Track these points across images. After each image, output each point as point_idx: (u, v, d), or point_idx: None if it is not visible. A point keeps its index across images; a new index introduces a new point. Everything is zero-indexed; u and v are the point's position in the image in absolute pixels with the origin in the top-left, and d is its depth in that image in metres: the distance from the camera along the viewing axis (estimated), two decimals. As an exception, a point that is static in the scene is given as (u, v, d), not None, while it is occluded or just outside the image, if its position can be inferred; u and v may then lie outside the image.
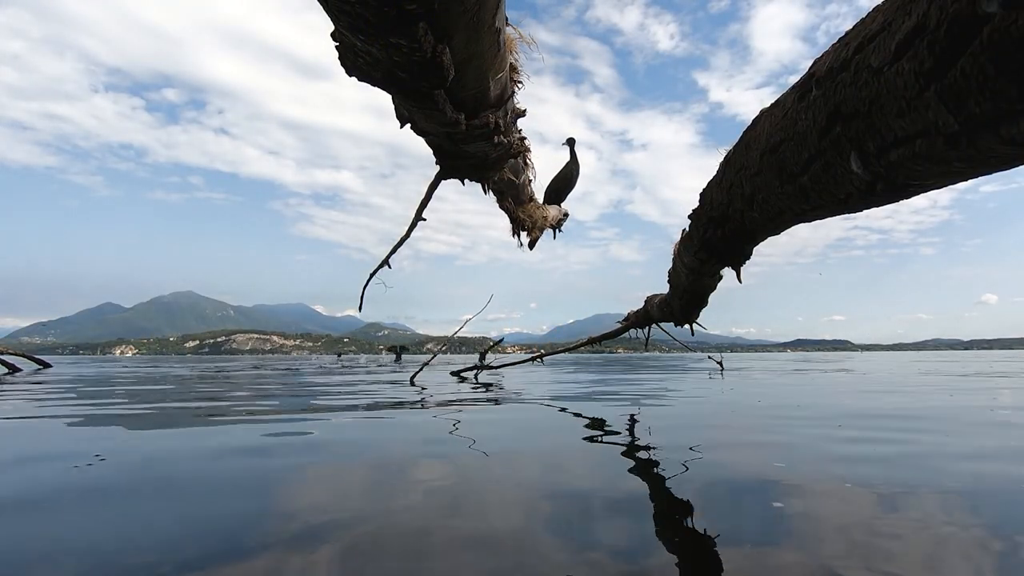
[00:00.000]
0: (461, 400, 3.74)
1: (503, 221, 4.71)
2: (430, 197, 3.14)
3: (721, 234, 2.22)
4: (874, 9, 0.97)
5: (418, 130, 2.26)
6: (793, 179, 1.37)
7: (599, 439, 2.13)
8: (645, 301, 5.66)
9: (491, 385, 5.24)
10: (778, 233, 2.00)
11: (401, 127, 2.20)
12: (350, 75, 1.63)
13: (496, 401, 3.68)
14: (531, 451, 1.92)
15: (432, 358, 7.47)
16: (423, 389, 4.72)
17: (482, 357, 7.06)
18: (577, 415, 2.94)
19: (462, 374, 7.01)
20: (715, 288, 3.74)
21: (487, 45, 1.68)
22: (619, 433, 2.27)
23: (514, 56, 2.27)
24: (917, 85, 0.82)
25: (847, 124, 1.05)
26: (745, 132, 1.71)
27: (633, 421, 2.65)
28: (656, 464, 1.66)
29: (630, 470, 1.59)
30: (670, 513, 1.18)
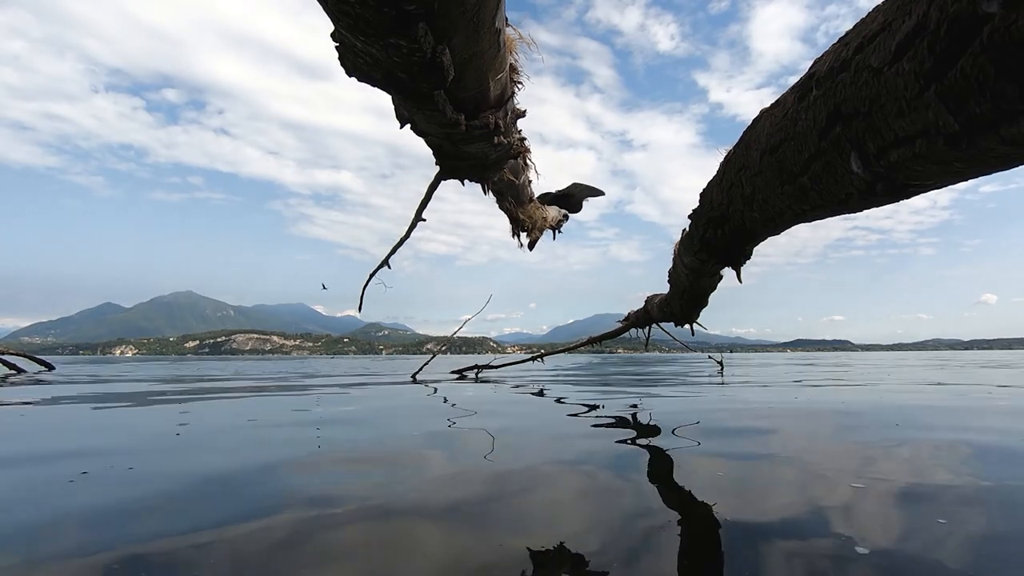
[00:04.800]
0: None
1: (503, 221, 4.71)
2: (430, 197, 3.14)
3: (721, 234, 2.22)
4: (874, 9, 0.97)
5: (418, 131, 2.26)
6: (793, 179, 1.37)
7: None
8: (645, 301, 5.66)
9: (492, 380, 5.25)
10: (778, 233, 2.00)
11: (401, 127, 2.20)
12: (350, 76, 1.63)
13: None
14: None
15: (432, 358, 7.49)
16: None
17: (477, 372, 7.12)
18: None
19: (463, 373, 7.05)
20: (715, 288, 3.74)
21: (487, 45, 1.68)
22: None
23: (514, 56, 2.27)
24: (917, 85, 0.82)
25: (847, 124, 1.05)
26: (745, 132, 1.71)
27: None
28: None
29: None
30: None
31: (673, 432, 2.13)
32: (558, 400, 3.59)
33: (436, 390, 4.50)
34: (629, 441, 1.93)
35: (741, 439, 2.00)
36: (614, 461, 1.60)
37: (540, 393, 4.07)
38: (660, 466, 1.55)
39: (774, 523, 1.03)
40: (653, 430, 2.19)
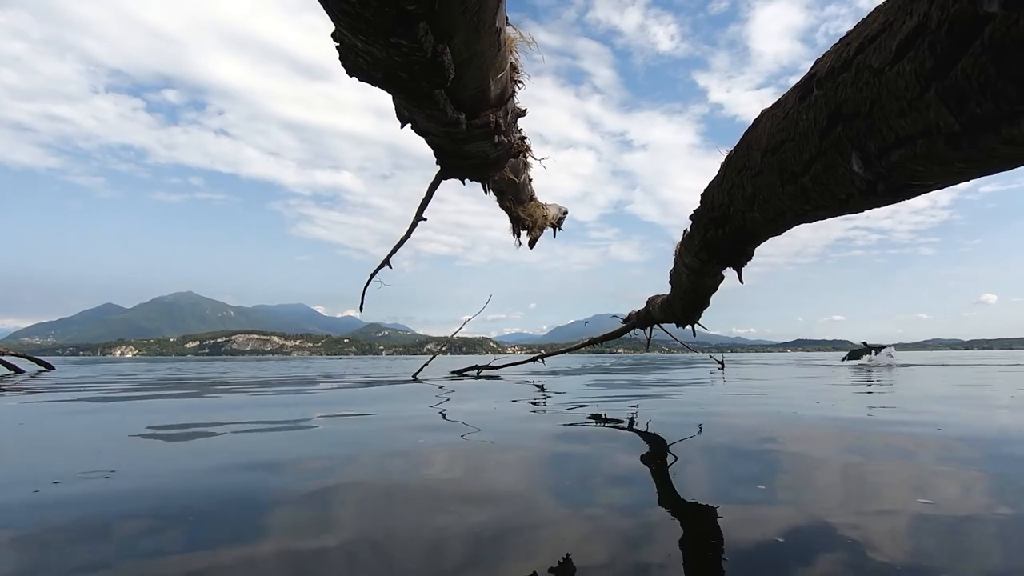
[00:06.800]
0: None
1: (503, 221, 4.71)
2: (430, 197, 3.15)
3: (722, 234, 2.21)
4: (875, 9, 0.96)
5: (419, 130, 2.26)
6: (794, 179, 1.37)
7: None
8: (647, 302, 5.66)
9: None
10: (779, 233, 1.99)
11: (402, 127, 2.20)
12: (351, 75, 1.63)
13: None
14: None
15: (432, 358, 7.50)
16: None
17: (477, 373, 7.18)
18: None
19: (464, 372, 7.07)
20: (716, 288, 3.73)
21: (487, 45, 1.68)
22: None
23: (514, 56, 2.27)
24: (918, 85, 0.82)
25: (848, 124, 1.05)
26: (746, 132, 1.70)
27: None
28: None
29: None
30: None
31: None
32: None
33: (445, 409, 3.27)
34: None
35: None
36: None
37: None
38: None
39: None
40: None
